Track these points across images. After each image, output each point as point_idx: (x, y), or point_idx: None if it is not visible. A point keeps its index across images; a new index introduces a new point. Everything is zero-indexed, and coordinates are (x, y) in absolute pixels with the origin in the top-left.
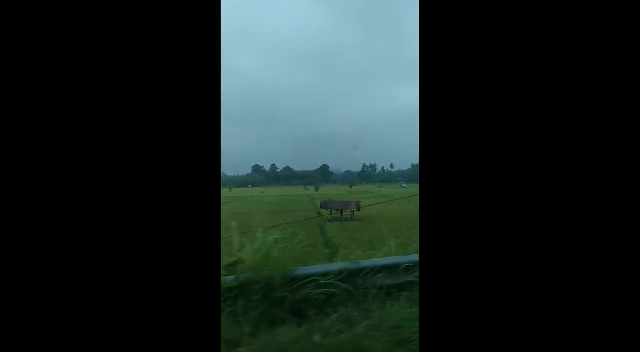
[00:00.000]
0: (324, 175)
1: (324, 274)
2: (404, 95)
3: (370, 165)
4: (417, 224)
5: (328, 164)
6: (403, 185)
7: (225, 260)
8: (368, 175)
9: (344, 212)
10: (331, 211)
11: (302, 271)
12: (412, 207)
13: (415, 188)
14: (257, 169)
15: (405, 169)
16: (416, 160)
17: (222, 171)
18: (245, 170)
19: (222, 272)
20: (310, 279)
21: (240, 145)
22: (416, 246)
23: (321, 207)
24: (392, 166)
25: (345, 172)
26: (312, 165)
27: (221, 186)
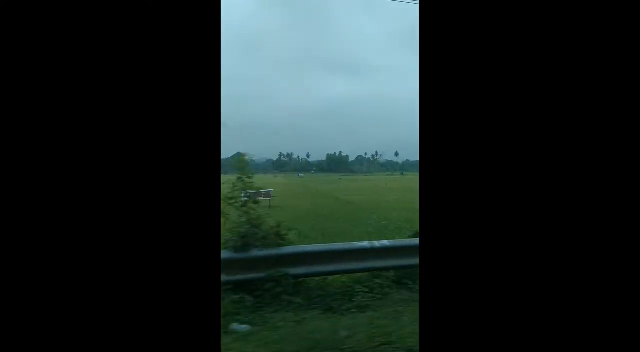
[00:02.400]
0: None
1: None
2: (328, 87)
3: (287, 154)
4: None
5: (245, 152)
6: (300, 175)
7: None
8: (285, 163)
9: None
10: None
11: None
12: None
13: (308, 177)
14: None
15: (322, 159)
16: (331, 151)
17: None
18: None
19: None
20: None
21: None
22: None
23: None
24: (308, 156)
25: (267, 160)
26: (231, 152)
27: None
